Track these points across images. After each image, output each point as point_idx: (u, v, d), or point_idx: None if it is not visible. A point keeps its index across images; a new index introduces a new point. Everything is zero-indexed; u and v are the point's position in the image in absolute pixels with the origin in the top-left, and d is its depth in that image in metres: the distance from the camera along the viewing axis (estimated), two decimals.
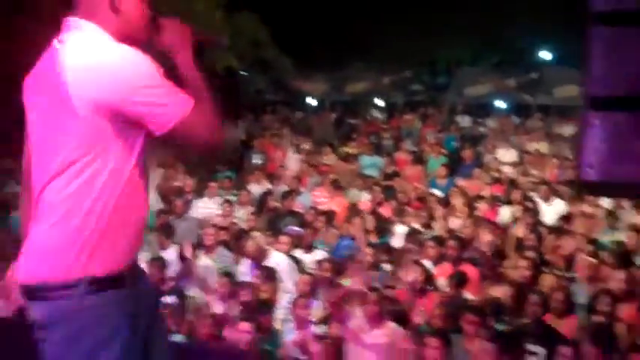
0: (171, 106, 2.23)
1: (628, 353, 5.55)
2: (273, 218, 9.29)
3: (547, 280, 6.87)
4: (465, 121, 17.34)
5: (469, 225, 8.24)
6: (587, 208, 9.12)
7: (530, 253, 7.34)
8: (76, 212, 2.23)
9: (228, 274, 7.08)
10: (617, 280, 6.51)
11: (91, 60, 2.20)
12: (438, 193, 10.40)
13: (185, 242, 7.94)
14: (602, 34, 3.05)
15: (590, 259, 7.20)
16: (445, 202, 9.61)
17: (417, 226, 8.77)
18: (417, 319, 6.26)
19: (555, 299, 6.27)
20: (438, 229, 8.76)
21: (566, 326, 6.07)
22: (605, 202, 9.31)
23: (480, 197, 9.80)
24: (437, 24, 18.62)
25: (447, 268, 7.20)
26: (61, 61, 2.21)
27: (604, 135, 3.04)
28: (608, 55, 3.04)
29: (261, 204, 9.99)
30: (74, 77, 2.18)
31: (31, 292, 2.27)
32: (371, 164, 12.57)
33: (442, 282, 6.91)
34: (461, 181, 11.04)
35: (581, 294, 6.72)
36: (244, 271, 7.46)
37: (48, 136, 2.26)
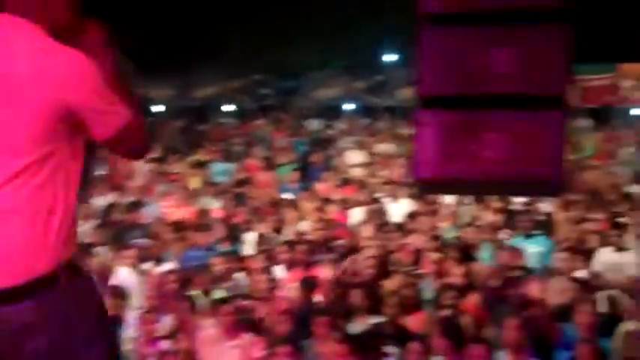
0: (116, 112, 2.25)
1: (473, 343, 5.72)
2: (118, 231, 8.89)
3: (395, 279, 6.98)
4: (314, 124, 17.52)
5: (319, 228, 8.26)
6: (430, 206, 9.41)
7: (376, 253, 7.44)
8: (41, 209, 2.24)
9: None
10: (458, 274, 6.73)
11: (46, 61, 2.18)
12: (289, 197, 10.40)
13: None
14: (431, 34, 3.12)
15: (435, 254, 7.40)
16: (296, 206, 9.61)
17: (268, 231, 8.70)
18: (269, 326, 6.17)
19: (404, 296, 6.40)
20: (288, 233, 8.73)
21: (414, 322, 6.19)
22: (449, 199, 9.67)
23: (330, 200, 9.88)
24: (285, 27, 18.63)
25: (298, 272, 7.16)
26: (13, 61, 2.18)
27: (436, 134, 3.11)
28: (437, 55, 3.11)
29: (105, 217, 9.54)
30: (30, 78, 2.16)
31: (15, 294, 2.22)
32: (222, 171, 12.40)
33: (294, 287, 6.86)
34: (312, 185, 11.11)
35: (428, 289, 6.89)
36: None
37: None
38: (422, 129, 3.09)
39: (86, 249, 7.67)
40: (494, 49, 2.98)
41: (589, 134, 15.54)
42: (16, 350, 2.26)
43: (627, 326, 5.78)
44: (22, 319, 2.24)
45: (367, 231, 8.43)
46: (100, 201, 10.31)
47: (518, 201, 9.65)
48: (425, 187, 3.76)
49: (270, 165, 12.69)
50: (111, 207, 9.89)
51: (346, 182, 11.22)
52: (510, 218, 8.77)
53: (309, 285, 6.67)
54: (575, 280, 6.73)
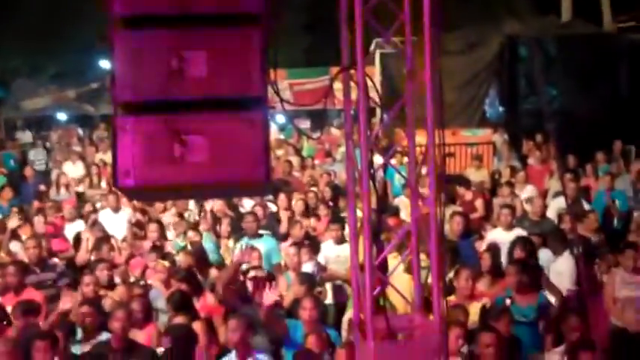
0: None
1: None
2: None
3: (120, 291, 6.75)
4: (26, 136, 16.40)
5: (33, 246, 7.67)
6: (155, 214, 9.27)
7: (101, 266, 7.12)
8: None
9: None
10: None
11: None
12: None
13: None
14: (124, 38, 3.00)
15: (163, 263, 7.27)
16: (4, 227, 8.87)
17: None
18: None
19: (134, 310, 6.18)
20: None
21: (145, 334, 6.03)
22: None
23: (48, 215, 9.29)
24: None
25: (11, 296, 6.59)
26: None
27: (137, 140, 3.00)
28: (132, 60, 3.01)
29: None
30: None
31: None
32: None
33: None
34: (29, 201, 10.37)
35: (159, 298, 6.74)
36: None
37: None
38: (121, 136, 2.97)
39: None
40: (189, 52, 2.96)
41: (308, 135, 16.38)
42: None
43: (350, 314, 6.12)
44: None
45: (88, 245, 8.04)
46: None
47: (247, 203, 9.88)
48: (131, 196, 3.65)
49: None
50: None
51: (64, 196, 10.63)
52: (238, 220, 8.90)
53: (25, 309, 6.14)
54: (302, 273, 7.00)
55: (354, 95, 3.91)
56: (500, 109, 15.91)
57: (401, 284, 4.57)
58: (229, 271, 6.61)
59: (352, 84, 3.89)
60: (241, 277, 6.59)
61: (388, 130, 10.58)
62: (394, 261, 5.16)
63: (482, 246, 7.69)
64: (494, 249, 7.12)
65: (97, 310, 6.09)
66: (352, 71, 3.86)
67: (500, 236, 7.80)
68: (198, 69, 2.99)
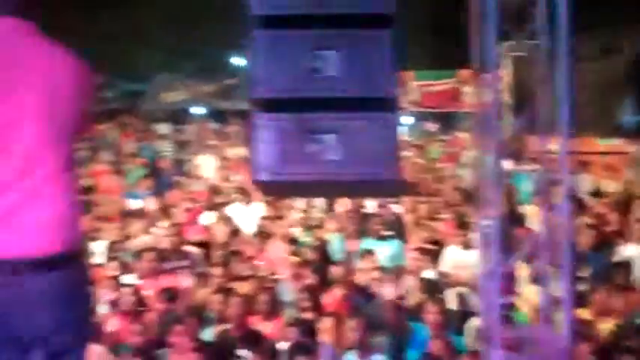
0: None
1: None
2: None
3: (247, 284, 6.95)
4: (163, 128, 17.19)
5: (171, 235, 8.07)
6: (284, 210, 9.47)
7: (230, 258, 7.37)
8: (74, 191, 2.54)
9: None
10: (316, 276, 6.77)
11: (74, 62, 2.51)
12: (138, 204, 10.10)
13: None
14: (263, 37, 3.11)
15: (292, 258, 7.44)
16: (145, 214, 9.35)
17: (116, 239, 8.40)
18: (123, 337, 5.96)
19: (260, 301, 6.37)
20: (138, 242, 8.47)
21: (272, 326, 6.19)
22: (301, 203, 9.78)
23: (182, 206, 9.70)
24: (130, 27, 18.12)
25: (152, 281, 6.96)
26: (60, 61, 2.48)
27: (272, 136, 3.10)
28: (269, 58, 3.11)
29: None
30: (63, 80, 2.47)
31: (59, 261, 2.43)
32: None
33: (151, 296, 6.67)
34: (163, 191, 10.87)
35: (287, 292, 6.91)
36: None
37: (33, 131, 2.41)
38: (259, 132, 3.08)
39: None
40: (323, 52, 3.02)
41: (434, 138, 16.25)
42: (37, 316, 2.44)
43: (475, 322, 6.04)
44: (59, 287, 2.46)
45: (221, 236, 8.35)
46: None
47: (370, 204, 9.92)
48: (265, 191, 3.76)
49: (117, 170, 12.29)
50: None
51: (198, 187, 11.08)
52: (363, 221, 8.96)
53: (168, 294, 6.49)
54: (425, 279, 6.96)
55: (483, 99, 3.85)
56: (636, 118, 15.14)
57: (528, 295, 4.47)
58: (349, 269, 6.69)
59: (478, 87, 3.83)
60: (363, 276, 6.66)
61: (518, 135, 10.27)
62: (521, 271, 5.04)
63: (614, 260, 7.36)
64: (626, 265, 6.81)
65: (227, 300, 6.33)
66: (475, 74, 3.81)
67: (634, 252, 7.44)
68: (332, 68, 3.05)
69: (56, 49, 2.56)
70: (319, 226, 8.80)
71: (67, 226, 2.51)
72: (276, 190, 3.78)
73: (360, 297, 6.49)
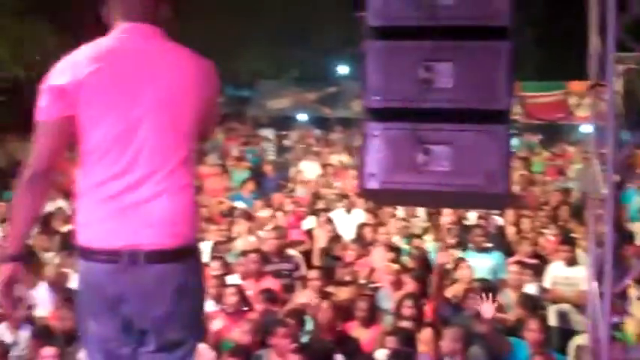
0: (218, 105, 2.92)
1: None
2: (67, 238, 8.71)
3: (346, 290, 7.01)
4: (267, 134, 17.55)
5: (273, 238, 8.24)
6: (384, 218, 9.49)
7: (331, 263, 7.46)
8: (194, 186, 2.70)
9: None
10: (416, 285, 6.73)
11: (197, 67, 2.68)
12: (242, 206, 10.38)
13: None
14: (377, 47, 3.17)
15: (393, 265, 7.44)
16: (249, 216, 9.60)
17: (220, 240, 8.65)
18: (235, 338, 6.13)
19: (359, 308, 6.40)
20: (242, 243, 8.70)
21: (370, 334, 6.22)
22: (400, 211, 9.76)
23: (284, 210, 9.89)
24: (237, 35, 18.58)
25: (254, 282, 7.13)
26: (173, 69, 2.63)
27: (383, 146, 3.15)
28: (383, 68, 3.16)
29: (47, 222, 9.31)
30: (190, 82, 2.64)
31: (177, 255, 2.58)
32: None
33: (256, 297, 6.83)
34: (266, 194, 11.11)
35: (386, 300, 6.93)
36: (42, 296, 6.94)
37: (160, 129, 2.58)
38: (368, 140, 3.13)
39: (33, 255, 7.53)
40: (437, 63, 3.04)
41: (539, 150, 15.85)
42: (151, 307, 2.58)
43: (578, 340, 5.88)
44: (177, 279, 2.60)
45: (321, 241, 8.46)
46: (49, 206, 10.11)
47: (471, 215, 9.80)
48: (372, 198, 3.81)
49: (222, 173, 12.65)
50: (52, 213, 9.66)
51: (300, 193, 11.26)
52: (464, 232, 8.87)
53: (268, 296, 6.64)
54: (526, 294, 6.82)
55: (599, 111, 3.76)
56: None
57: (637, 314, 4.32)
58: (436, 278, 6.60)
59: (594, 100, 3.74)
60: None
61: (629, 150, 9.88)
62: (631, 290, 4.88)
63: None
64: None
65: (325, 305, 6.38)
66: (593, 87, 3.71)
67: None
68: (445, 80, 3.06)
69: (182, 52, 2.72)
70: (420, 236, 8.77)
71: (187, 221, 2.63)
72: (384, 199, 3.81)
73: (450, 308, 6.42)
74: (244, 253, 7.69)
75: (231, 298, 6.52)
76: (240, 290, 6.70)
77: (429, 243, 8.56)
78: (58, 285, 7.01)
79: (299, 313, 6.36)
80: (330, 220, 9.27)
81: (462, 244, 8.52)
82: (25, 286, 2.77)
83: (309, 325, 6.32)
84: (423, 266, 7.40)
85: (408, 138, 3.09)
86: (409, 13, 3.07)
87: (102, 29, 2.77)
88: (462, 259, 7.49)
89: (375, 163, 3.13)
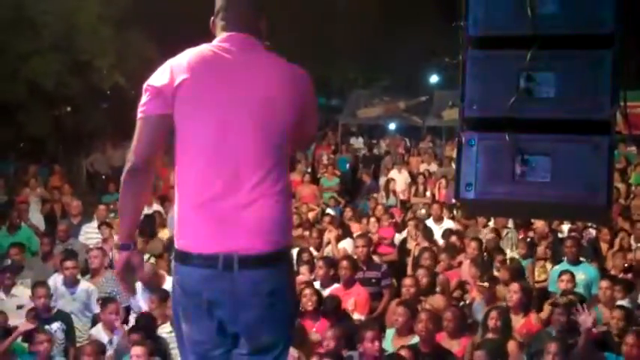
0: (316, 115, 3.03)
1: None
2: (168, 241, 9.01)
3: (437, 299, 6.96)
4: (358, 142, 17.61)
5: (363, 245, 8.27)
6: (471, 228, 9.38)
7: (422, 272, 7.41)
8: (287, 195, 2.75)
9: (114, 299, 6.80)
10: (511, 292, 6.63)
11: (294, 77, 2.76)
12: (332, 213, 10.46)
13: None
14: (475, 57, 3.14)
15: (486, 276, 7.33)
16: (339, 223, 9.66)
17: (309, 246, 8.75)
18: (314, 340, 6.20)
19: (446, 319, 6.34)
20: (330, 249, 8.77)
21: (459, 345, 6.15)
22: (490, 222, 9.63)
23: (375, 218, 9.91)
24: (329, 45, 18.78)
25: (341, 290, 7.17)
26: (273, 81, 2.70)
27: (481, 155, 3.12)
28: (481, 78, 3.13)
29: (145, 227, 9.63)
30: (289, 91, 2.71)
31: (271, 259, 2.63)
32: None
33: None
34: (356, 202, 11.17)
35: (479, 311, 6.84)
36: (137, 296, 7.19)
37: (255, 135, 2.64)
38: (465, 150, 3.11)
39: None
40: (538, 73, 2.99)
41: (637, 162, 15.28)
42: (243, 311, 2.63)
43: None
44: (270, 284, 2.65)
45: (412, 250, 8.43)
46: (145, 210, 10.45)
47: (564, 227, 9.57)
48: (468, 209, 3.77)
49: (313, 180, 12.79)
50: (149, 217, 9.98)
51: (390, 201, 11.26)
52: (557, 244, 8.67)
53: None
54: (620, 308, 6.60)
55: None
56: None
57: None
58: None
59: None
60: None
61: None
62: None
63: None
64: None
65: (412, 314, 6.37)
66: None
67: None
68: (546, 90, 3.01)
69: (279, 61, 2.80)
70: (511, 247, 8.63)
71: (281, 227, 2.67)
72: (480, 209, 3.78)
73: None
74: (333, 261, 7.75)
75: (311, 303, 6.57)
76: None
77: (520, 255, 8.40)
78: (153, 286, 7.23)
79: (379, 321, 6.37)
80: (420, 229, 9.23)
81: (555, 257, 8.33)
82: (140, 272, 2.88)
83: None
84: (517, 278, 7.26)
85: (506, 148, 3.04)
86: (510, 23, 3.03)
87: (198, 38, 2.89)
88: (565, 272, 7.30)
89: (471, 173, 3.10)
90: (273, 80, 2.71)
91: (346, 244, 8.77)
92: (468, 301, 7.23)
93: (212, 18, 2.88)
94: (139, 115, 2.70)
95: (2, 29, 12.47)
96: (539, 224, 9.29)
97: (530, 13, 2.95)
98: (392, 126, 20.13)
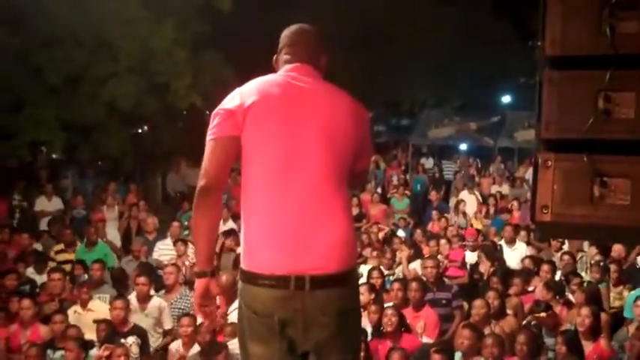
0: (371, 149, 3.19)
1: None
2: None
3: (508, 322, 6.84)
4: (428, 162, 17.52)
5: (433, 266, 8.20)
6: (549, 251, 9.18)
7: (492, 295, 7.30)
8: (352, 215, 2.88)
9: (189, 315, 6.92)
10: (582, 317, 6.48)
11: (355, 109, 2.87)
12: (402, 234, 10.42)
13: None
14: (552, 77, 3.11)
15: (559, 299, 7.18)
16: (410, 244, 9.62)
17: (379, 265, 8.73)
18: None
19: (518, 342, 6.23)
20: (400, 270, 8.73)
21: None
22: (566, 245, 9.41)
23: (445, 239, 9.83)
24: (400, 65, 18.80)
25: (410, 311, 7.12)
26: (337, 110, 2.82)
27: (558, 176, 3.07)
28: (558, 98, 3.09)
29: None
30: (351, 120, 2.83)
31: (340, 279, 2.68)
32: None
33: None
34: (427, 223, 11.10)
35: (548, 336, 6.69)
36: None
37: (320, 159, 2.74)
38: (542, 171, 3.07)
39: None
40: (617, 93, 2.93)
41: None
42: (312, 330, 2.67)
43: None
44: (340, 303, 2.69)
45: (483, 272, 8.31)
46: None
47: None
48: (545, 231, 3.70)
49: (383, 200, 12.78)
50: (225, 234, 10.11)
51: (461, 223, 11.14)
52: (636, 271, 8.41)
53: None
54: None
55: None
56: None
57: None
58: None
59: None
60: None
61: None
62: None
63: None
64: None
65: (478, 337, 6.27)
66: None
67: None
68: (625, 111, 2.95)
69: (340, 93, 2.92)
70: (585, 271, 8.41)
71: (349, 247, 2.73)
72: (556, 231, 3.69)
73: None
74: (401, 281, 7.71)
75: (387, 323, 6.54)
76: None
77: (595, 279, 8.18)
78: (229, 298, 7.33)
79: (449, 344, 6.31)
80: (492, 251, 9.10)
81: (628, 281, 8.10)
82: (223, 299, 2.91)
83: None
84: (592, 302, 7.07)
85: (584, 170, 2.99)
86: (588, 42, 2.99)
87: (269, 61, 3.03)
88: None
89: (548, 195, 3.06)
90: (337, 107, 2.82)
91: (416, 265, 8.71)
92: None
93: (275, 56, 3.02)
94: (209, 137, 2.77)
95: (82, 55, 12.95)
96: (616, 248, 9.03)
97: (609, 32, 2.91)
98: (463, 146, 19.94)
